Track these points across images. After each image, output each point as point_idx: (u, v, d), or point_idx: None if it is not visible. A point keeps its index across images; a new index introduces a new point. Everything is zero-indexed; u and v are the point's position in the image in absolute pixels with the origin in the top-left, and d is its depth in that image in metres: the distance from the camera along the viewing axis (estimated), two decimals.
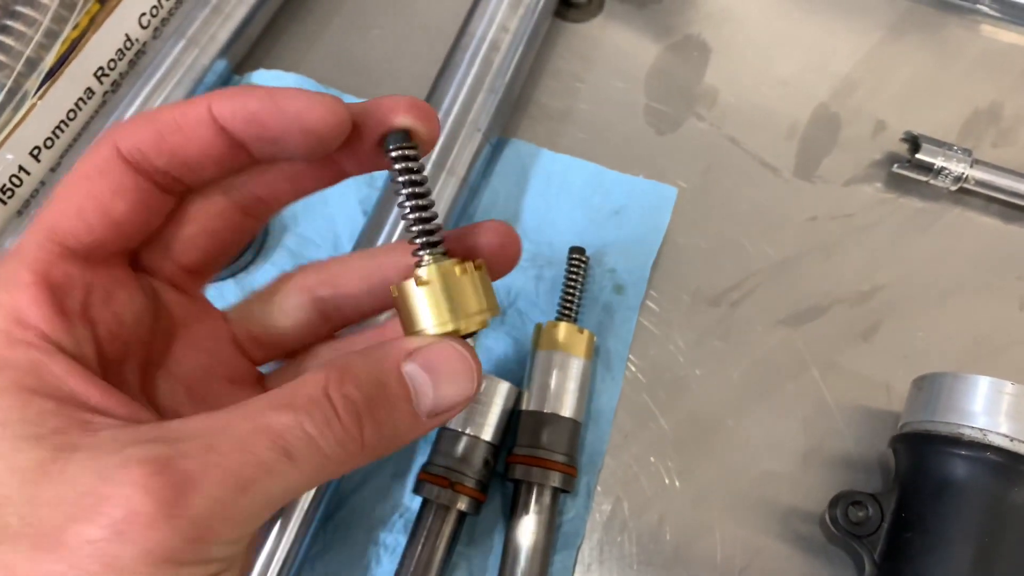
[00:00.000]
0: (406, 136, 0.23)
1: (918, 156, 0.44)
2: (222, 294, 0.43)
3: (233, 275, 0.43)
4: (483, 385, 0.38)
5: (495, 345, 0.42)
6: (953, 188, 0.45)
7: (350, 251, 0.42)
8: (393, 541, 0.38)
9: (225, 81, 0.48)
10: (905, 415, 0.37)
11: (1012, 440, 0.33)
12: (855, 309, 0.43)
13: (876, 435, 0.41)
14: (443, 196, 0.42)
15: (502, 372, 0.41)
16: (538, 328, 0.40)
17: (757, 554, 0.39)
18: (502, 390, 0.38)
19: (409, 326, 0.23)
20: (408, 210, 0.23)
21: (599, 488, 0.40)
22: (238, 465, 0.18)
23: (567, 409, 0.37)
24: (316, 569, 0.38)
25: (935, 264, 0.45)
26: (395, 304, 0.23)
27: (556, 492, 0.37)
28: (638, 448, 0.41)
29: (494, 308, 0.24)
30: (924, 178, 0.45)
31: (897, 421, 0.38)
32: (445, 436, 0.38)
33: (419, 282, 0.22)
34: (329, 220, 0.45)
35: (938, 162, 0.44)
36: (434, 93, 0.43)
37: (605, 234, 0.44)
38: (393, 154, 0.23)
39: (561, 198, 0.45)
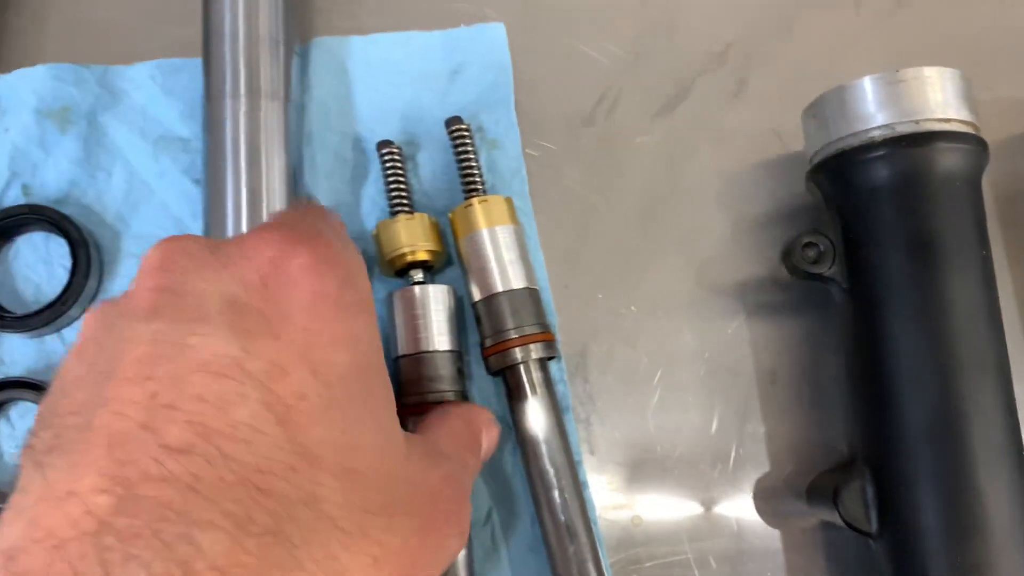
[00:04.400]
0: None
1: None
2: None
3: (83, 309, 0.37)
4: (419, 300, 0.35)
5: None
6: None
7: (200, 230, 0.36)
8: None
9: None
10: (810, 146, 0.37)
11: (918, 122, 0.34)
12: (717, 73, 0.43)
13: (785, 182, 0.41)
14: (270, 124, 0.37)
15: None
16: (451, 218, 0.37)
17: (718, 336, 0.40)
18: (437, 295, 0.35)
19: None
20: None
21: (564, 343, 0.39)
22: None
23: (517, 281, 0.35)
24: None
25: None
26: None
27: (543, 363, 0.35)
28: (579, 287, 0.40)
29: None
30: None
31: (801, 158, 0.38)
32: (404, 365, 0.34)
33: None
34: (162, 206, 0.38)
35: None
36: (210, 15, 0.37)
37: (454, 98, 0.41)
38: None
39: (393, 79, 0.41)
